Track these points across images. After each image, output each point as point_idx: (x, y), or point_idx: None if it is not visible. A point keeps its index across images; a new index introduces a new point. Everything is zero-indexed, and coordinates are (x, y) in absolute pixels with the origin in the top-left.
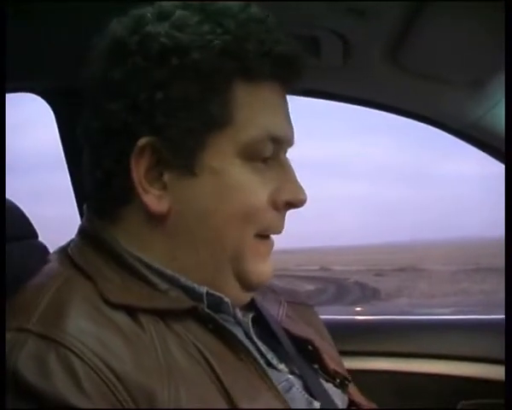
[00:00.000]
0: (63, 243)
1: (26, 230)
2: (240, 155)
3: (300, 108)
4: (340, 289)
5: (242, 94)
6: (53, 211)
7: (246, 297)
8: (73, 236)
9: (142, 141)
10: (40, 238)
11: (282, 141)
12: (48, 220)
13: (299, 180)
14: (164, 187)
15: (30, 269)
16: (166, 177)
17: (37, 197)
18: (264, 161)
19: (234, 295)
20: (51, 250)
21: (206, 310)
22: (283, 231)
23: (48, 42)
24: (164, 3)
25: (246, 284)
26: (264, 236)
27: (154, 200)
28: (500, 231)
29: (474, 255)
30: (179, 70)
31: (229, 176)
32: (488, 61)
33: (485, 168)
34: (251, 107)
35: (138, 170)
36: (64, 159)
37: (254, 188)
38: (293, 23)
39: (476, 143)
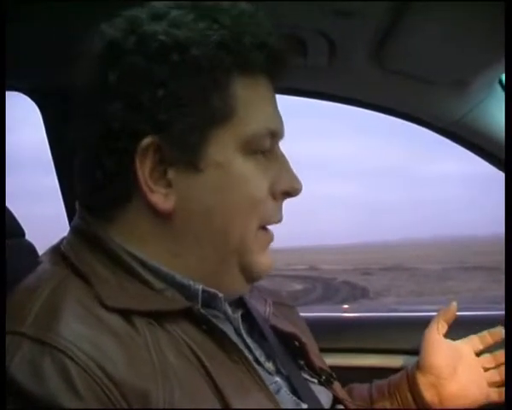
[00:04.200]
0: (50, 241)
1: (13, 228)
2: (242, 148)
3: (287, 106)
4: (329, 288)
5: (241, 88)
6: (39, 210)
7: (246, 289)
8: (60, 235)
9: (147, 141)
10: (27, 237)
11: (277, 134)
12: (35, 219)
13: (294, 171)
14: (169, 185)
15: (17, 267)
16: (171, 174)
17: (24, 196)
18: (263, 153)
19: (236, 287)
20: (38, 249)
21: (201, 311)
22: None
23: (36, 41)
24: (156, 4)
25: (249, 275)
26: (265, 227)
27: (160, 199)
28: (485, 230)
29: (460, 254)
30: (180, 67)
31: (233, 169)
32: (471, 60)
33: (470, 168)
34: (250, 101)
35: (143, 170)
36: (51, 159)
37: (256, 180)
38: (280, 23)
39: (460, 141)
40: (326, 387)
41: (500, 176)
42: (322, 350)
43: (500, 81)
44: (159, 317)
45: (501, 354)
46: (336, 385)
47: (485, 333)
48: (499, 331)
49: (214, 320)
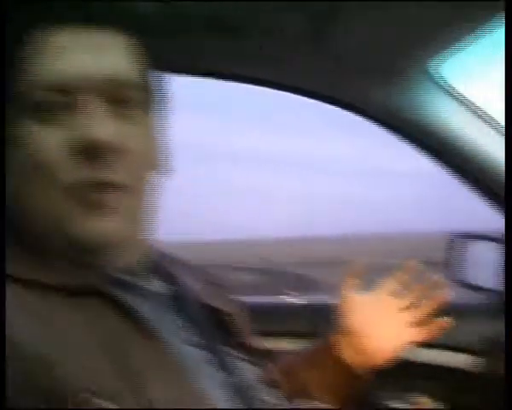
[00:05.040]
0: None
1: None
2: (22, 110)
3: (246, 101)
4: (278, 279)
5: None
6: None
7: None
8: None
9: None
10: None
11: (71, 88)
12: None
13: (95, 123)
14: None
15: None
16: None
17: None
18: (52, 109)
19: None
20: None
21: (112, 291)
22: (221, 222)
23: None
24: None
25: (78, 243)
26: (85, 187)
27: None
28: (442, 226)
29: (416, 249)
30: None
31: (16, 134)
32: (405, 48)
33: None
34: (28, 59)
35: None
36: None
37: (39, 140)
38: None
39: (396, 134)
40: (257, 366)
41: (443, 172)
42: (259, 333)
43: (428, 72)
44: (71, 293)
45: (416, 287)
46: (270, 366)
47: (398, 272)
48: (413, 264)
49: (128, 300)
